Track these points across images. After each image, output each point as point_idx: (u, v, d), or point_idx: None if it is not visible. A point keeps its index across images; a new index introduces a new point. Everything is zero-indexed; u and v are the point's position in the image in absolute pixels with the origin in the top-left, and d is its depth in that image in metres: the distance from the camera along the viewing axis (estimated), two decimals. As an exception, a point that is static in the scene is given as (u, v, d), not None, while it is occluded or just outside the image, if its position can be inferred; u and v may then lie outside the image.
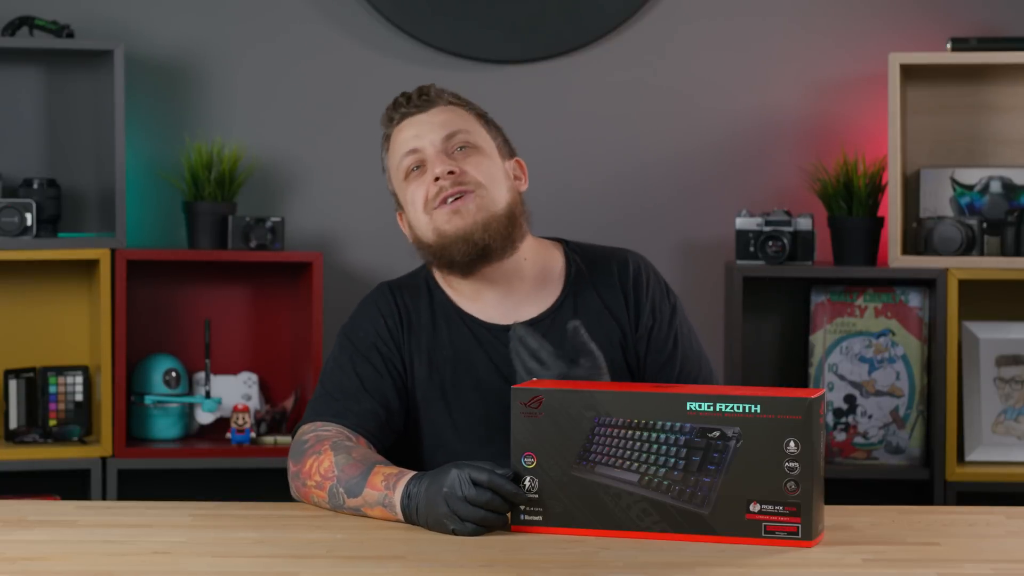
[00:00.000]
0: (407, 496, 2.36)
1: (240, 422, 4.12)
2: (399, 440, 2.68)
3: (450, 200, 2.62)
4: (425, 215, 2.64)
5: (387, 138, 2.72)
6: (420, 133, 2.66)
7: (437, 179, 2.62)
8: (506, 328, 2.65)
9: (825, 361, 4.20)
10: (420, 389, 2.67)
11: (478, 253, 2.62)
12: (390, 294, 2.72)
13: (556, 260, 2.74)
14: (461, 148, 2.65)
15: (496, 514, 2.30)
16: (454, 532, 2.30)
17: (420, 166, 2.65)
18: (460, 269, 2.65)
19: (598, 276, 2.72)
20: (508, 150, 2.74)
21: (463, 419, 2.65)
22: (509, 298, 2.68)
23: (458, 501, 2.29)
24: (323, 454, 2.50)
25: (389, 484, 2.40)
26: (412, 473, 2.40)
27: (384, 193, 4.37)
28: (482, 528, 2.30)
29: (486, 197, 2.63)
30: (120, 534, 2.33)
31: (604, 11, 4.34)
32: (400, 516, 2.38)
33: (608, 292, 2.71)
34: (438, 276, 2.72)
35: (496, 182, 2.65)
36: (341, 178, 4.34)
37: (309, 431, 2.59)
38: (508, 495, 2.30)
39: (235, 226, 4.14)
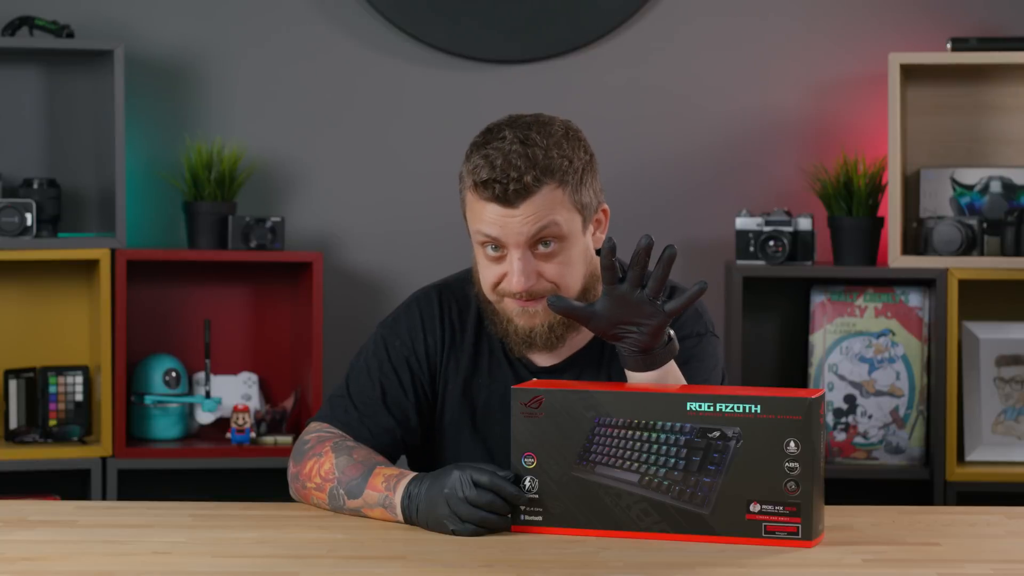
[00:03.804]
0: (408, 497, 2.36)
1: (240, 422, 4.12)
2: (420, 458, 2.65)
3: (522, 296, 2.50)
4: (495, 294, 2.52)
5: (467, 186, 2.50)
6: (505, 226, 2.46)
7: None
8: (546, 369, 2.58)
9: (825, 361, 4.20)
10: (450, 411, 2.62)
11: (535, 347, 2.56)
12: (439, 306, 2.63)
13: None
14: (545, 244, 2.49)
15: (497, 515, 2.30)
16: (454, 533, 2.30)
17: (498, 248, 2.49)
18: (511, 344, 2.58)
19: None
20: (595, 203, 2.57)
21: (491, 447, 2.59)
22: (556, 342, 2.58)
23: (459, 502, 2.29)
24: (324, 456, 2.50)
25: (390, 485, 2.39)
26: (413, 474, 2.39)
27: (384, 193, 4.41)
28: (482, 529, 2.30)
29: None
30: (120, 534, 2.33)
31: (603, 11, 4.34)
32: (400, 517, 2.38)
33: None
34: None
35: (573, 276, 2.52)
36: (341, 178, 4.33)
37: (314, 431, 2.58)
38: (509, 497, 2.30)
39: (235, 226, 4.14)
